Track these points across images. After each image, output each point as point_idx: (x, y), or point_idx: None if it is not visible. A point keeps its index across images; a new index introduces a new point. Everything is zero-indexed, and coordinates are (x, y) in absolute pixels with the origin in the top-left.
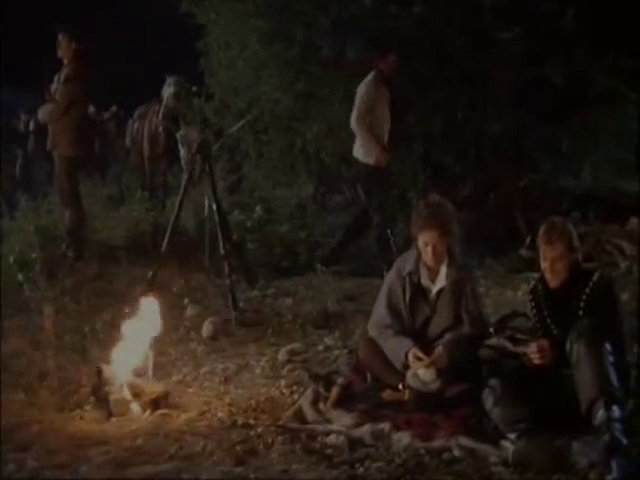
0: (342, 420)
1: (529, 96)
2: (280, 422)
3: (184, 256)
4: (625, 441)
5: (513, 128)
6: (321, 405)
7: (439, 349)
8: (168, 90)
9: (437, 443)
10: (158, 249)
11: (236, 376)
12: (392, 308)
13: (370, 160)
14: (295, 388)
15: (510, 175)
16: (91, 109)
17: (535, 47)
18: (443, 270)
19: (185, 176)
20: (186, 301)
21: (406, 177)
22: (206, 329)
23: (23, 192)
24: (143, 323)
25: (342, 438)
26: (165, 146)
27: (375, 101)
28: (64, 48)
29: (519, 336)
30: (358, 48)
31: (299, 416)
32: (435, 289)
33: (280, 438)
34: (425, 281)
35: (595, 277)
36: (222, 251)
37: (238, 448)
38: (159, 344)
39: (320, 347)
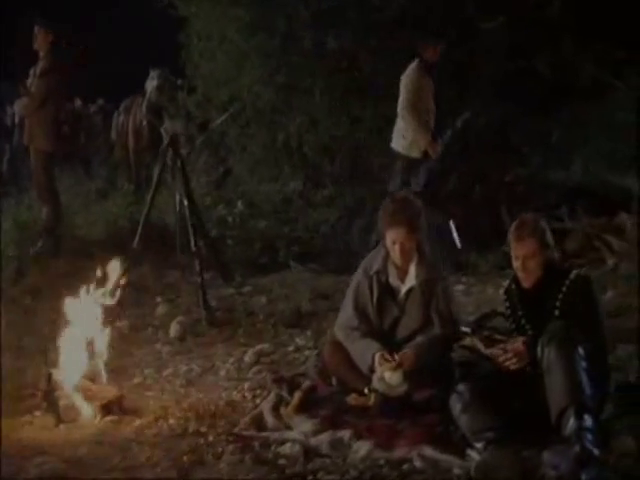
0: (302, 427)
1: (515, 87)
2: (237, 429)
3: (161, 252)
4: (596, 452)
5: (499, 120)
6: (282, 410)
7: (407, 351)
8: (151, 83)
9: (398, 453)
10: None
11: (200, 378)
12: (359, 309)
13: (415, 152)
14: (258, 392)
15: (496, 169)
16: (78, 102)
17: (520, 37)
18: (412, 269)
19: (156, 171)
20: (158, 299)
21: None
22: (173, 329)
23: (11, 187)
24: (81, 325)
25: (297, 447)
26: (149, 140)
27: (422, 90)
28: (40, 41)
29: (496, 336)
30: (340, 39)
31: (258, 422)
32: (404, 289)
33: (230, 447)
34: (394, 280)
35: (572, 276)
36: (193, 248)
37: (185, 458)
38: (124, 344)
39: (290, 347)
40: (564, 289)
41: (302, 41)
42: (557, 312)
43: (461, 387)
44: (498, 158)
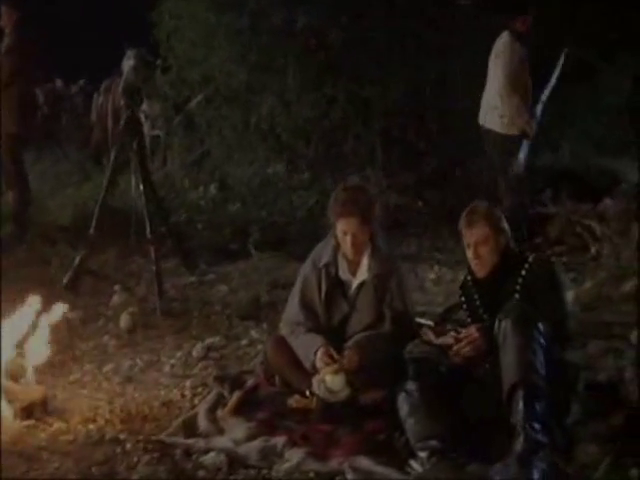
0: (235, 432)
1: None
2: (164, 434)
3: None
4: (545, 440)
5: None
6: (219, 412)
7: (349, 352)
8: (128, 63)
9: (332, 464)
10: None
11: (141, 375)
12: (306, 304)
13: (513, 130)
14: (200, 390)
15: (476, 152)
16: (58, 83)
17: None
18: (364, 262)
19: (113, 154)
20: (116, 288)
21: (363, 154)
22: (123, 320)
23: None
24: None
25: (222, 457)
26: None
27: (519, 64)
28: (5, 17)
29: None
30: (309, 16)
31: (190, 426)
32: (355, 283)
33: (147, 457)
34: (344, 274)
35: (531, 259)
36: (148, 235)
37: (94, 470)
38: (73, 337)
39: (244, 341)
40: (523, 273)
41: (272, 19)
42: (517, 295)
43: (411, 386)
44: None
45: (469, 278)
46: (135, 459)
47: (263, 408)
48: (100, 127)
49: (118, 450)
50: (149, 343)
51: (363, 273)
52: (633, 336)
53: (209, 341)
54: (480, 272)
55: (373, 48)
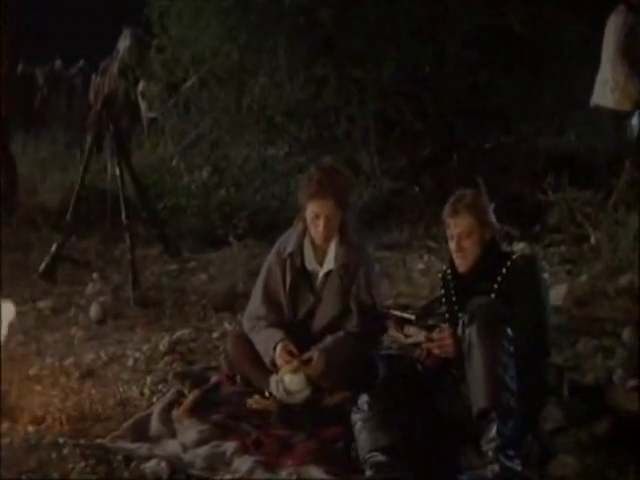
0: (187, 435)
1: (493, 49)
2: (109, 437)
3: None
4: (519, 467)
5: (481, 84)
6: (175, 412)
7: (314, 356)
8: (124, 43)
9: (282, 474)
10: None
11: (103, 369)
12: (269, 296)
13: (627, 105)
14: (160, 387)
15: (475, 135)
16: (58, 64)
17: None
18: (332, 250)
19: (89, 137)
20: (95, 276)
21: (356, 136)
22: (93, 311)
23: None
24: None
25: (163, 465)
26: (125, 102)
27: (632, 35)
28: None
29: (441, 326)
30: None
31: (141, 428)
32: (322, 273)
33: (82, 464)
34: (310, 264)
35: (514, 257)
36: (124, 221)
37: (25, 477)
38: (41, 328)
39: (215, 334)
40: (504, 271)
41: None
42: (494, 295)
43: (364, 397)
44: (478, 124)
45: (449, 271)
46: (70, 466)
47: (220, 409)
48: (96, 108)
49: (54, 455)
50: (117, 335)
51: (330, 262)
52: (625, 334)
53: (178, 333)
54: (462, 266)
55: (364, 25)
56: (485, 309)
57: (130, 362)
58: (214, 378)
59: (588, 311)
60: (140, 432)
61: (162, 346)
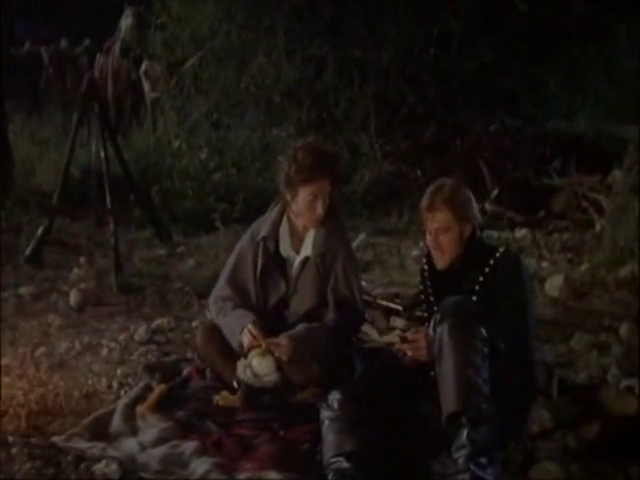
0: (148, 433)
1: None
2: (64, 435)
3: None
4: (491, 478)
5: (486, 65)
6: (139, 408)
7: (283, 339)
8: (126, 22)
9: (241, 477)
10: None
11: (75, 360)
12: (237, 282)
13: None
14: (130, 380)
15: (480, 118)
16: (63, 43)
17: None
18: (310, 236)
19: (75, 118)
20: (82, 260)
21: (356, 119)
22: (73, 298)
23: None
24: None
25: (114, 467)
26: (128, 82)
27: None
28: None
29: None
30: None
31: (101, 424)
32: (298, 260)
33: (28, 465)
34: (285, 250)
35: (498, 254)
36: (108, 204)
37: None
38: (19, 315)
39: (195, 323)
40: (486, 270)
41: None
42: (475, 297)
43: (335, 394)
44: (482, 107)
45: (426, 267)
46: (16, 467)
47: (186, 405)
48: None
49: (2, 455)
50: (95, 323)
51: (307, 249)
52: (623, 329)
53: (157, 322)
54: (439, 263)
55: (364, 5)
56: (457, 307)
57: (104, 352)
58: (186, 371)
59: (585, 303)
60: (99, 430)
61: (138, 336)
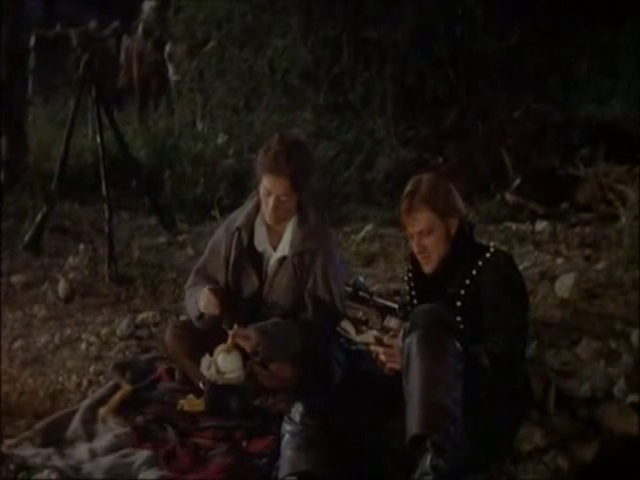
0: (103, 439)
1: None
2: (21, 437)
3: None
4: None
5: (512, 47)
6: (101, 410)
7: (250, 330)
8: (148, 3)
9: None
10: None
11: (52, 355)
12: (208, 272)
13: None
14: (102, 378)
15: (503, 103)
16: (92, 25)
17: None
18: (288, 234)
19: (72, 104)
20: (81, 248)
21: (373, 104)
22: (61, 288)
23: None
24: None
25: (54, 478)
26: (151, 64)
27: None
28: None
29: None
30: None
31: (57, 428)
32: (274, 258)
33: None
34: (261, 244)
35: (488, 254)
36: (104, 191)
37: None
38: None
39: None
40: (474, 272)
41: None
42: (459, 303)
43: (298, 406)
44: (507, 90)
45: (410, 275)
46: None
47: (149, 409)
48: (125, 70)
49: None
50: (80, 315)
51: (284, 248)
52: (635, 337)
53: (142, 315)
54: (426, 268)
55: None
56: (428, 317)
57: (83, 347)
58: (161, 369)
59: (597, 306)
60: (53, 434)
61: (119, 330)
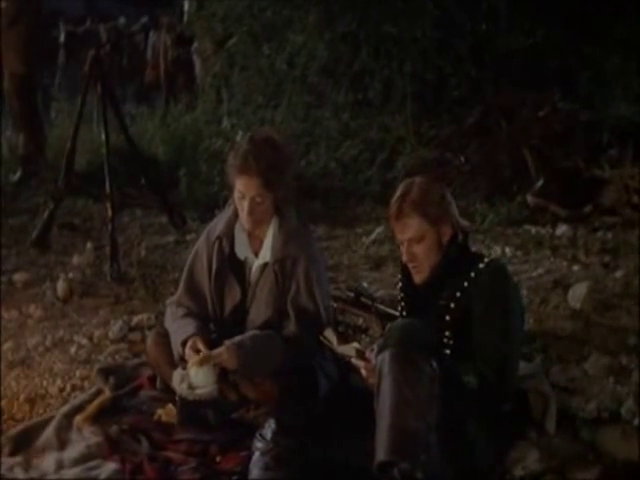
0: (73, 449)
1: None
2: None
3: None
4: None
5: (537, 44)
6: (77, 418)
7: (224, 348)
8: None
9: None
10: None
11: (41, 357)
12: (193, 287)
13: None
14: (86, 384)
15: (529, 102)
16: (121, 21)
17: None
18: (269, 239)
19: (79, 100)
20: (88, 245)
21: (392, 101)
22: (60, 287)
23: None
24: None
25: None
26: (176, 60)
27: None
28: None
29: None
30: None
31: (30, 435)
32: (256, 265)
33: None
34: (242, 251)
35: (482, 265)
36: (107, 190)
37: None
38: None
39: None
40: (465, 284)
41: None
42: (448, 317)
43: (270, 422)
44: (533, 89)
45: (400, 285)
46: None
47: (126, 418)
48: (152, 66)
49: None
50: (76, 316)
51: (265, 254)
52: None
53: (137, 318)
54: (417, 277)
55: None
56: (402, 332)
57: (73, 350)
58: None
59: (611, 317)
60: (24, 442)
61: (112, 333)
